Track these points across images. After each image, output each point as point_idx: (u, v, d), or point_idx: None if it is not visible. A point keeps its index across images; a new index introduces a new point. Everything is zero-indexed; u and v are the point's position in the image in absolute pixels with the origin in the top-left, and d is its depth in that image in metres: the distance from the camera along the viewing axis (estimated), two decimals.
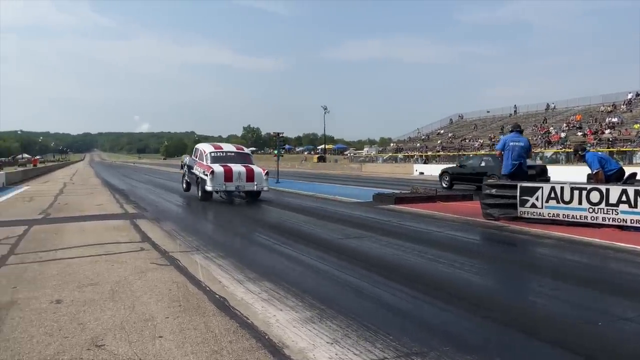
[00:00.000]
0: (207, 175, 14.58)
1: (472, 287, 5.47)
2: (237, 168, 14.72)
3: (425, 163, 47.43)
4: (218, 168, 14.56)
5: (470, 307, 4.71)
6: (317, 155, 79.08)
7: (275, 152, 27.53)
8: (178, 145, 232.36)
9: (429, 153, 54.11)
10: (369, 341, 3.84)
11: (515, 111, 64.50)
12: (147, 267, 6.20)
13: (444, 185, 20.66)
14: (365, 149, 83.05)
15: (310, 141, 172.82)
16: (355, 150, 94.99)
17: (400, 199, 14.40)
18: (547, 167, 19.72)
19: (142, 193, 19.65)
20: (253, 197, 15.39)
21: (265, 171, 15.32)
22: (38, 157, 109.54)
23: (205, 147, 16.24)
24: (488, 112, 68.68)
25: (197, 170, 15.70)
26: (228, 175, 14.47)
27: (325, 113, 72.72)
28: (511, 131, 11.43)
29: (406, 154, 61.02)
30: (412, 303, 4.86)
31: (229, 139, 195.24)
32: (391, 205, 13.73)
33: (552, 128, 50.64)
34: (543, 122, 54.38)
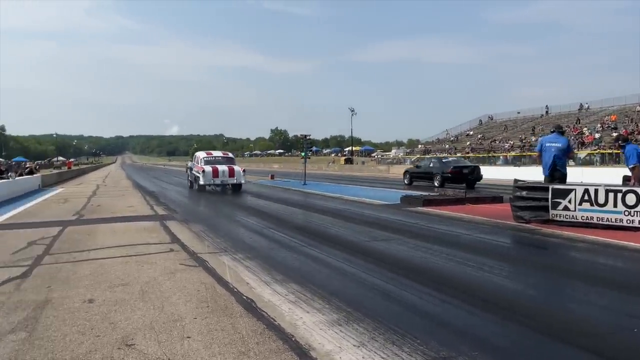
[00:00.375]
0: (200, 173, 20.26)
1: (502, 291, 5.37)
2: (222, 168, 20.36)
3: None
4: (208, 168, 20.21)
5: (500, 311, 4.63)
6: (344, 157, 78.68)
7: (303, 154, 27.49)
8: (207, 147, 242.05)
9: (458, 155, 53.39)
10: (396, 345, 3.81)
11: (546, 111, 63.18)
12: (176, 268, 6.26)
13: (405, 182, 24.79)
14: (393, 151, 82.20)
15: (337, 143, 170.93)
16: (383, 152, 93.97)
17: (428, 201, 14.25)
18: (480, 167, 23.58)
19: (172, 195, 19.93)
20: (235, 189, 20.35)
21: (243, 169, 21.01)
22: (72, 159, 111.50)
23: (200, 154, 22.22)
24: (518, 112, 67.45)
25: (194, 171, 21.44)
26: (215, 173, 20.11)
27: (352, 115, 72.51)
28: (552, 132, 11.20)
29: (434, 155, 60.40)
30: (440, 306, 4.80)
31: (257, 142, 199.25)
32: (419, 208, 13.61)
33: (585, 129, 49.39)
34: (576, 123, 53.10)
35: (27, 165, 41.29)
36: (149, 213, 12.88)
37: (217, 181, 20.18)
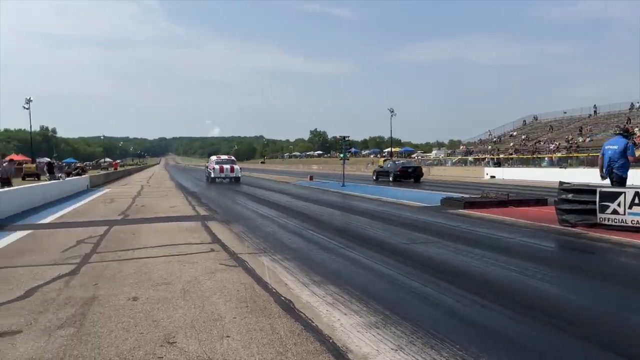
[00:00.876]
0: (212, 170, 31.13)
1: (545, 297, 5.22)
2: (226, 166, 31.03)
3: (497, 166, 45.58)
4: (216, 166, 31.05)
5: (542, 317, 4.50)
6: (383, 159, 78.15)
7: (341, 155, 27.74)
8: (248, 149, 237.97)
9: (501, 156, 52.13)
10: (434, 349, 3.77)
11: (595, 111, 60.94)
12: (217, 268, 6.35)
13: (374, 178, 33.31)
14: (434, 152, 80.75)
15: (376, 144, 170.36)
16: (423, 153, 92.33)
17: (469, 204, 14.00)
18: (422, 168, 33.35)
19: (213, 196, 20.30)
20: (237, 181, 30.32)
21: (240, 167, 32.02)
22: (118, 161, 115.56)
23: (213, 157, 33.70)
24: (565, 112, 65.30)
25: (209, 169, 31.96)
26: (221, 170, 30.77)
27: (391, 115, 71.88)
28: (616, 134, 10.93)
29: (476, 156, 59.21)
30: (480, 311, 4.71)
31: (296, 143, 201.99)
32: (460, 210, 13.38)
33: (637, 129, 47.36)
34: (627, 123, 50.97)
35: (77, 166, 42.47)
36: (191, 213, 13.17)
37: (222, 175, 30.79)
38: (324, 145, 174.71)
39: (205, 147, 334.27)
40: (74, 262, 6.81)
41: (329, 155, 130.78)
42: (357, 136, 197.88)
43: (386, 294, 5.31)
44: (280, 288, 5.44)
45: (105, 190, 25.04)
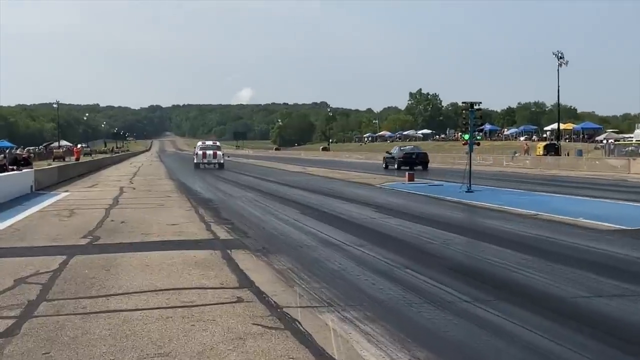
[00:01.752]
0: (195, 156, 34.41)
1: None
2: (209, 152, 33.62)
3: None
4: (199, 152, 33.84)
5: None
6: (543, 144, 45.23)
7: (465, 136, 17.19)
8: (299, 125, 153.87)
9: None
10: None
11: None
12: (248, 331, 4.48)
13: (383, 166, 32.88)
14: (638, 131, 48.82)
15: (530, 116, 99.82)
16: (618, 133, 57.43)
17: None
18: (427, 154, 32.46)
19: (241, 205, 14.26)
20: (220, 166, 33.00)
21: (223, 152, 35.18)
22: (82, 145, 73.95)
23: (198, 143, 37.69)
24: None
25: (193, 155, 35.78)
26: (203, 155, 33.34)
27: (559, 66, 41.31)
28: None
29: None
30: None
31: (383, 116, 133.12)
32: None
33: None
34: None
35: (15, 154, 29.19)
36: (204, 236, 9.32)
37: (205, 161, 33.24)
38: (433, 117, 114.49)
39: (227, 120, 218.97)
40: (11, 316, 4.91)
41: (442, 136, 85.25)
42: (494, 103, 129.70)
43: None
44: None
45: (62, 194, 17.11)
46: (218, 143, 38.25)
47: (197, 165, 33.08)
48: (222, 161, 33.23)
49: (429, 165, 30.62)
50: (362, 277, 6.14)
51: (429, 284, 5.75)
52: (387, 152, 34.36)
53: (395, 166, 30.77)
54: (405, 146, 35.39)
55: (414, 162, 30.27)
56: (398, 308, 4.98)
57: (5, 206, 13.26)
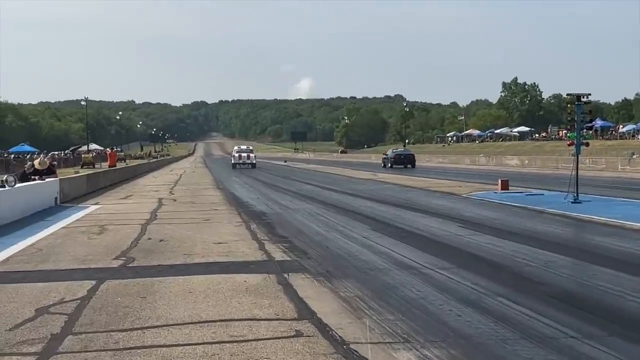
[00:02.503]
0: (232, 157, 44.49)
1: None
2: (244, 154, 42.33)
3: None
4: (236, 154, 42.89)
5: None
6: None
7: (570, 135, 15.31)
8: (369, 124, 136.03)
9: None
10: None
11: None
12: None
13: (382, 165, 40.43)
14: None
15: None
16: None
17: None
18: (414, 155, 41.15)
19: (299, 219, 12.71)
20: (252, 166, 40.97)
21: (254, 154, 43.88)
22: (115, 148, 67.89)
23: (235, 147, 47.39)
24: None
25: (231, 157, 46.27)
26: (239, 158, 42.11)
27: None
28: None
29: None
30: None
31: (471, 111, 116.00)
32: None
33: None
34: None
35: (39, 159, 19.77)
36: (256, 256, 8.36)
37: (240, 161, 41.22)
38: (532, 111, 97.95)
39: (283, 118, 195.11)
40: (30, 353, 4.33)
41: (543, 134, 71.80)
42: (606, 94, 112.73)
43: None
44: None
45: (91, 207, 15.74)
46: (251, 147, 48.67)
47: (234, 165, 41.73)
48: (254, 162, 42.02)
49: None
50: (445, 306, 5.31)
51: (527, 315, 4.96)
52: (384, 154, 44.18)
53: (389, 165, 38.67)
54: (397, 149, 47.68)
55: (403, 162, 38.43)
56: (489, 345, 4.31)
57: (26, 222, 12.01)
